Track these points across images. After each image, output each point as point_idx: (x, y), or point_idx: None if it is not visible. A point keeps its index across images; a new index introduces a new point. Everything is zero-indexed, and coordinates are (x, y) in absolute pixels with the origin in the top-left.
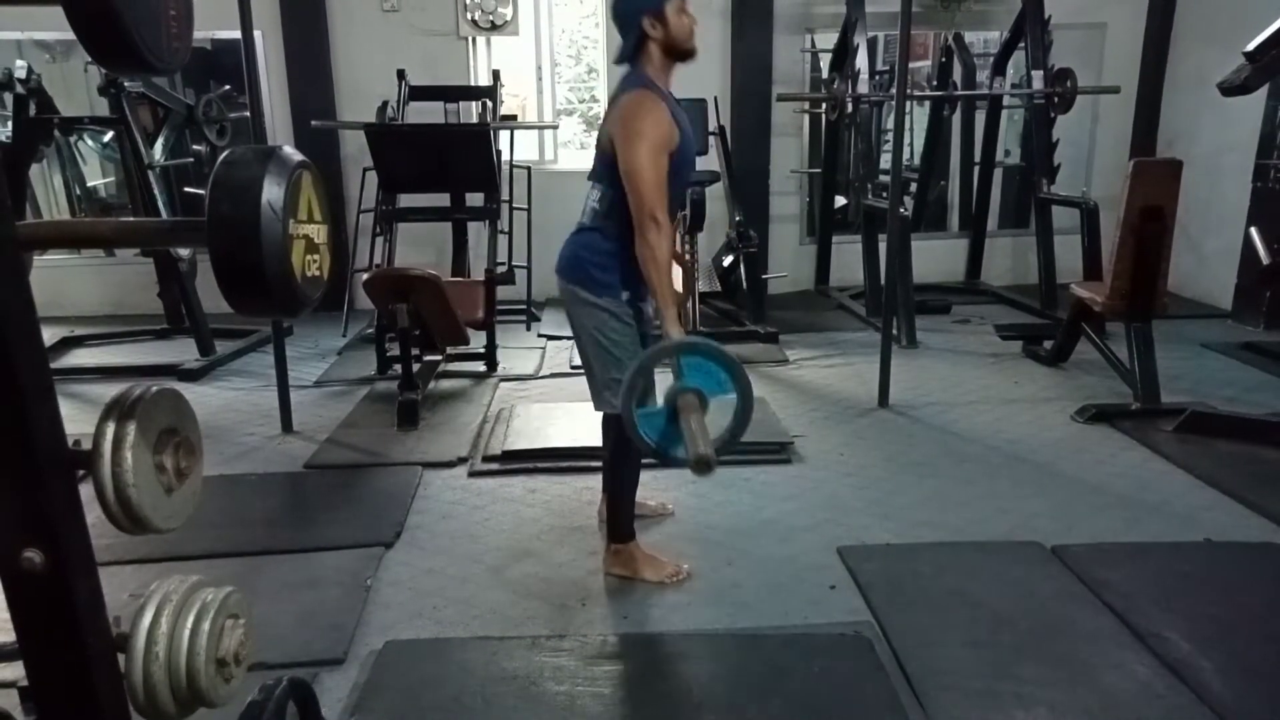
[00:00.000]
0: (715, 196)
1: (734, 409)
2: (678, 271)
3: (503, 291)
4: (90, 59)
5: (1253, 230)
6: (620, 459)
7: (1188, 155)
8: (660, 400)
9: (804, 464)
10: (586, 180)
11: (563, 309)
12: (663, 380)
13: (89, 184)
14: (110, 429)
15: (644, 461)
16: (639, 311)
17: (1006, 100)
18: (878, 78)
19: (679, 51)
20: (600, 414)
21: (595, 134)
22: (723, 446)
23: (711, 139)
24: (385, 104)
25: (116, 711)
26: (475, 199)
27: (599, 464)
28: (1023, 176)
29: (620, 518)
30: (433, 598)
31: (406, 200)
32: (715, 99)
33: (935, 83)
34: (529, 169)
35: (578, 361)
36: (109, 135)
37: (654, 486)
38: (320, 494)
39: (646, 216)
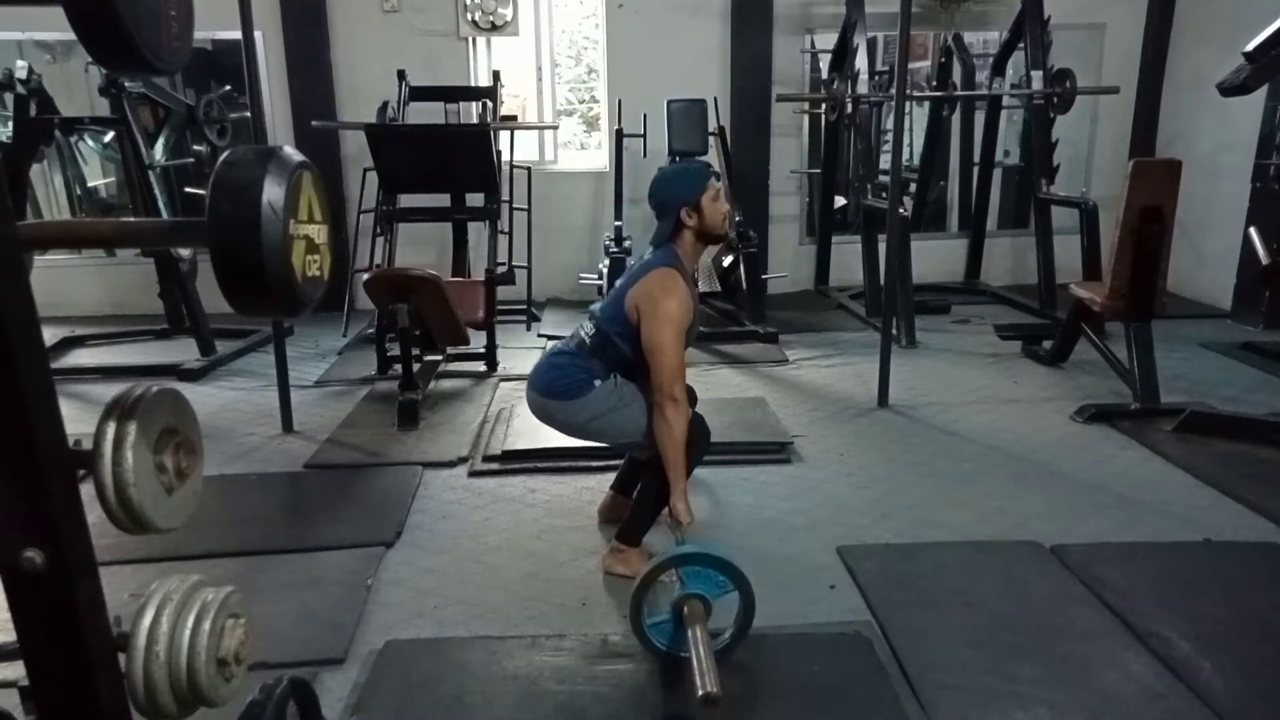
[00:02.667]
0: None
1: (738, 605)
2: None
3: (503, 291)
4: (91, 59)
5: (1252, 230)
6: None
7: (1187, 155)
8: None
9: (804, 464)
10: (588, 310)
11: (564, 309)
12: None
13: (89, 184)
14: (111, 429)
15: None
16: (614, 376)
17: (1006, 100)
18: (877, 78)
19: (712, 236)
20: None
21: (594, 134)
22: (727, 649)
23: (711, 139)
24: (385, 104)
25: (117, 711)
26: (475, 199)
27: (599, 464)
28: (1022, 177)
29: (641, 523)
30: (433, 597)
31: (407, 200)
32: (715, 99)
33: (935, 83)
34: (529, 169)
35: None
36: (109, 135)
37: None
38: (321, 494)
39: (667, 395)
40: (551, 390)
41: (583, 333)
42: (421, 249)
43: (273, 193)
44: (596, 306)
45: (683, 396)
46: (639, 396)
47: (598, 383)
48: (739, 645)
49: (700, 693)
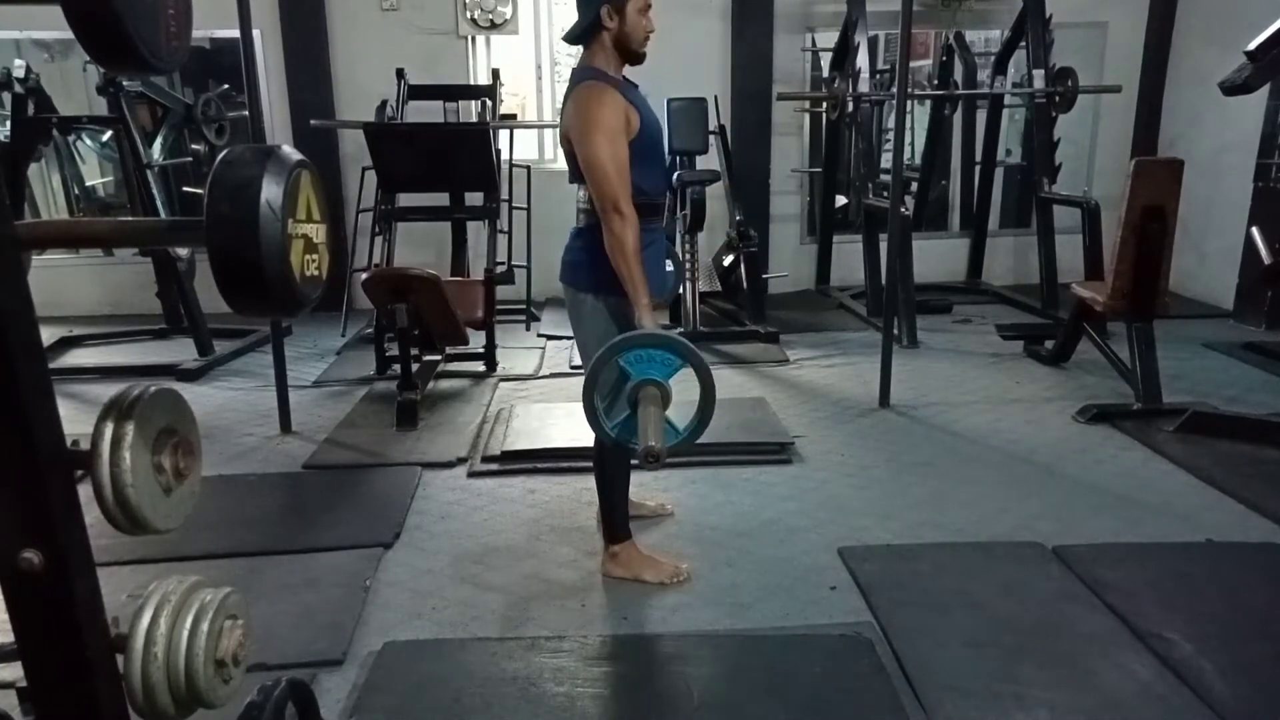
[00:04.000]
0: (715, 196)
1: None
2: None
3: (502, 291)
4: (89, 58)
5: (1254, 230)
6: (605, 455)
7: (1189, 155)
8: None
9: (804, 464)
10: (570, 184)
11: (564, 309)
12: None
13: (87, 183)
14: (109, 429)
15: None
16: (617, 307)
17: (1007, 99)
18: (878, 77)
19: (630, 52)
20: None
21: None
22: (693, 432)
23: (712, 138)
24: (384, 103)
25: (115, 712)
26: (474, 198)
27: None
28: (1024, 176)
29: (613, 517)
30: (432, 598)
31: (406, 199)
32: (715, 98)
33: (936, 82)
34: (528, 168)
35: (577, 361)
36: (107, 134)
37: (653, 487)
38: (319, 494)
39: (609, 207)
40: (564, 275)
41: (579, 202)
42: (420, 248)
43: (271, 192)
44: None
45: (628, 209)
46: (604, 327)
47: (590, 297)
48: (702, 428)
49: (641, 447)
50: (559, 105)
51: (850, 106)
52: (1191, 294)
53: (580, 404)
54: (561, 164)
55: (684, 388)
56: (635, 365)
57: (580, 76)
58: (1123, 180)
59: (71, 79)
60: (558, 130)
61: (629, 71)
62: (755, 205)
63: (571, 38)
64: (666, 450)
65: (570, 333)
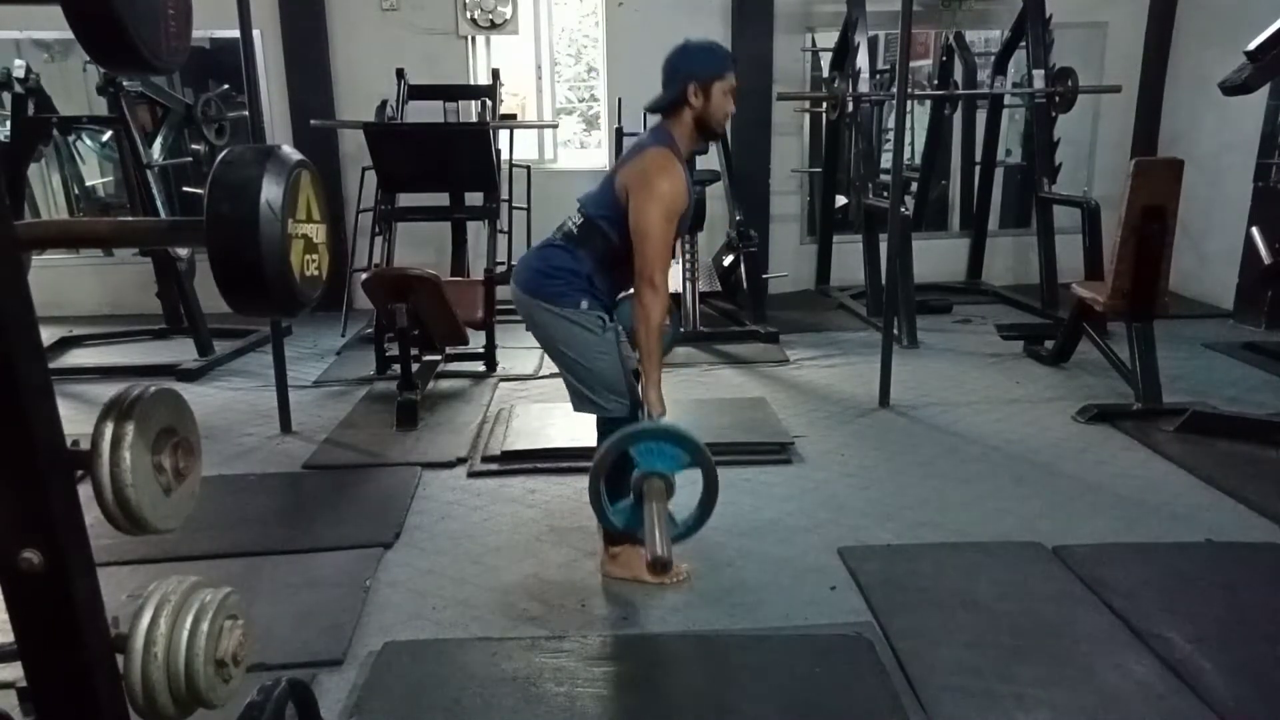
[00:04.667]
0: (715, 196)
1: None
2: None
3: (502, 291)
4: (89, 58)
5: (1254, 230)
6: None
7: (1189, 155)
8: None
9: (804, 464)
10: (577, 200)
11: None
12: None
13: (87, 183)
14: (109, 429)
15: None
16: (602, 318)
17: (1007, 99)
18: (878, 77)
19: (709, 129)
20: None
21: (594, 133)
22: (690, 528)
23: None
24: (384, 103)
25: (115, 712)
26: (474, 198)
27: None
28: (1024, 176)
29: None
30: (432, 598)
31: (406, 200)
32: None
33: (936, 82)
34: (528, 168)
35: None
36: (107, 134)
37: None
38: (319, 494)
39: (646, 279)
40: (539, 289)
41: (570, 223)
42: (420, 248)
43: (271, 192)
44: (584, 195)
45: (663, 284)
46: (615, 358)
47: (584, 303)
48: (704, 519)
49: (649, 555)
50: (558, 106)
51: (850, 106)
52: (1191, 294)
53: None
54: (562, 164)
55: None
56: (644, 456)
57: (659, 139)
58: (1123, 180)
59: (71, 79)
60: (615, 171)
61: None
62: (755, 205)
63: (655, 108)
64: (671, 556)
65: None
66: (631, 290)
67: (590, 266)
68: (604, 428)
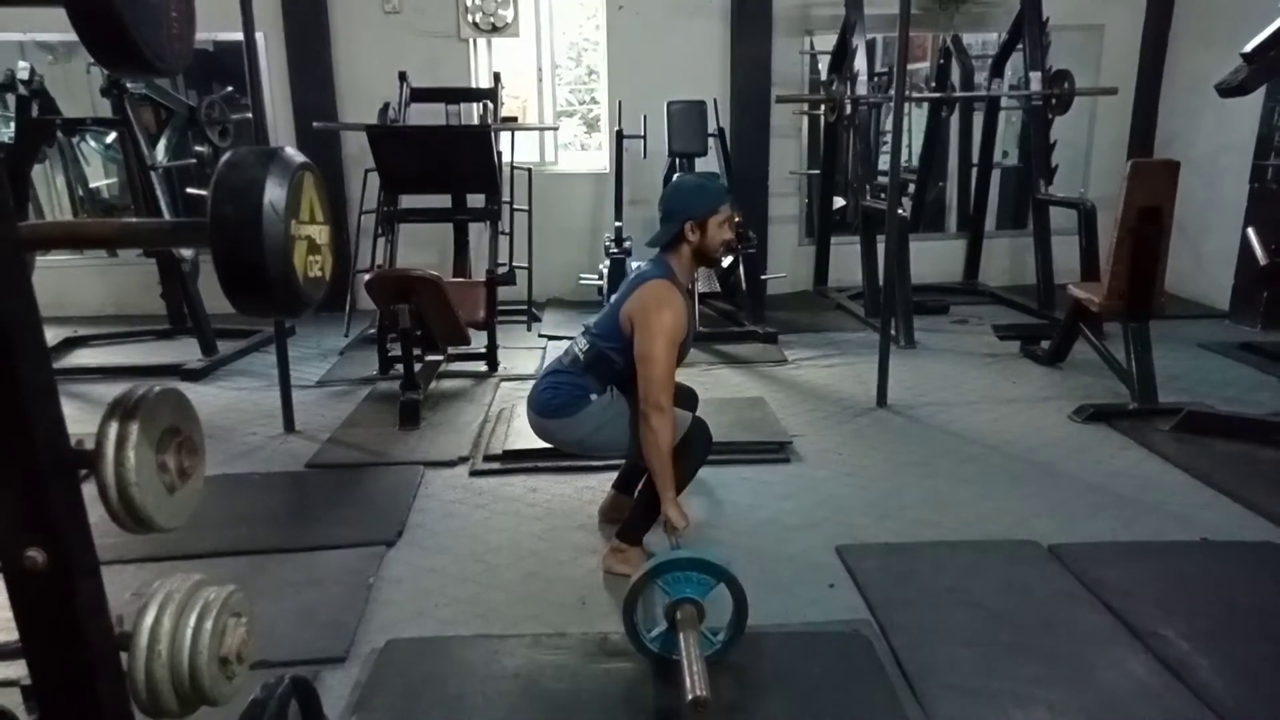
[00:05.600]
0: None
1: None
2: None
3: (503, 292)
4: (92, 60)
5: (1250, 230)
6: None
7: (1185, 156)
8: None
9: (803, 463)
10: (582, 326)
11: (564, 309)
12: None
13: (91, 185)
14: (113, 429)
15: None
16: (613, 396)
17: (1004, 102)
18: (876, 79)
19: (707, 259)
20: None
21: (594, 135)
22: (726, 645)
23: (711, 140)
24: (387, 105)
25: (119, 710)
26: (476, 200)
27: (599, 463)
28: (1020, 177)
29: (643, 522)
30: (434, 596)
31: (408, 201)
32: (715, 100)
33: (934, 84)
34: (529, 170)
35: None
36: (111, 136)
37: None
38: (322, 493)
39: (654, 404)
40: (549, 409)
41: (577, 349)
42: (422, 249)
43: (274, 193)
44: (592, 321)
45: (669, 406)
46: (632, 407)
47: (594, 397)
48: (738, 639)
49: (690, 697)
50: (559, 108)
51: (848, 109)
52: (1187, 294)
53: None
54: (562, 167)
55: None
56: (673, 585)
57: (660, 272)
58: (1119, 181)
59: (75, 81)
60: (621, 302)
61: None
62: (754, 207)
63: (656, 244)
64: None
65: (572, 331)
66: None
67: (596, 389)
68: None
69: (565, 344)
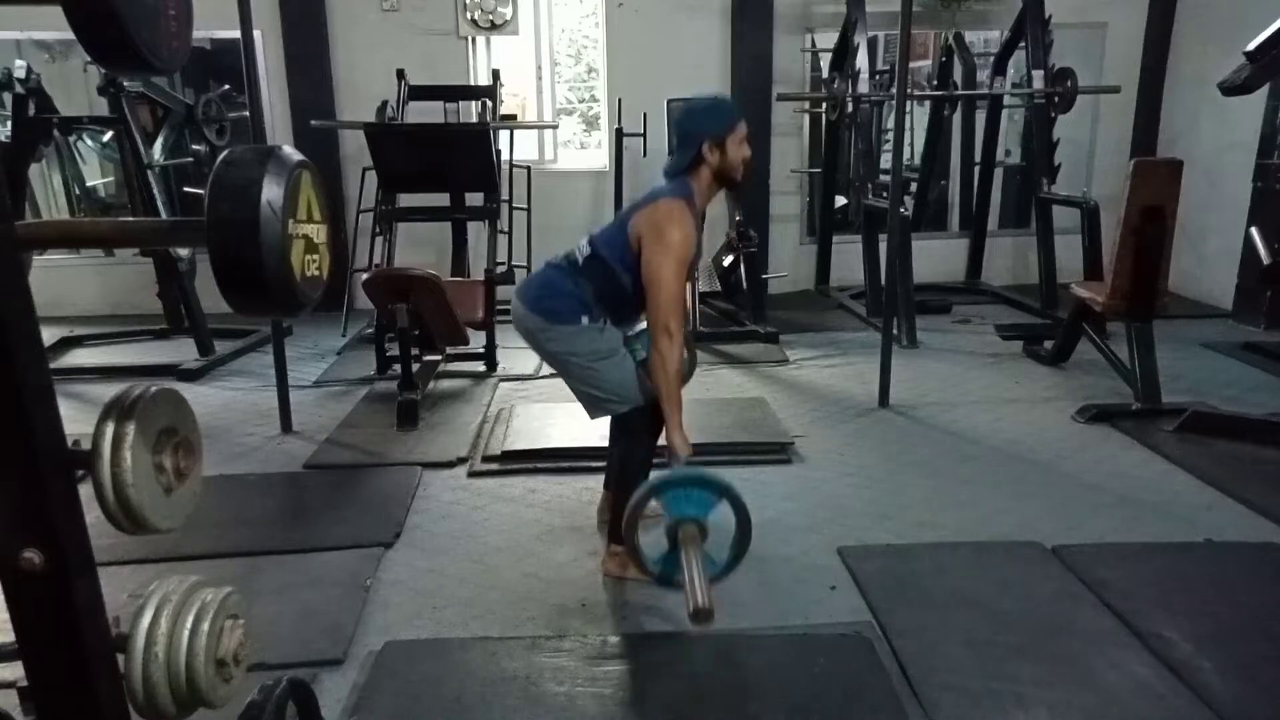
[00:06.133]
0: (715, 196)
1: (735, 525)
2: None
3: (502, 291)
4: (89, 59)
5: (1253, 230)
6: (630, 460)
7: (1188, 155)
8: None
9: (804, 464)
10: (585, 234)
11: None
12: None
13: (88, 184)
14: (110, 429)
15: (655, 462)
16: (599, 325)
17: (1007, 100)
18: (878, 77)
19: (730, 180)
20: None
21: (594, 133)
22: (728, 566)
23: None
24: (385, 104)
25: (116, 712)
26: (475, 199)
27: (599, 464)
28: (1023, 176)
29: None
30: (432, 598)
31: (406, 200)
32: None
33: (935, 82)
34: (529, 169)
35: None
36: (108, 135)
37: None
38: (320, 494)
39: (662, 327)
40: (539, 306)
41: (577, 252)
42: (421, 249)
43: (272, 192)
44: (596, 230)
45: (679, 330)
46: (622, 353)
47: (585, 319)
48: (742, 557)
49: (691, 607)
50: (558, 106)
51: (850, 107)
52: (1191, 294)
53: (578, 405)
54: (562, 165)
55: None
56: (674, 504)
57: (677, 191)
58: (1122, 181)
59: (72, 79)
60: (632, 212)
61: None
62: (755, 205)
63: (675, 171)
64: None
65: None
66: (644, 324)
67: (590, 296)
68: (622, 424)
69: None
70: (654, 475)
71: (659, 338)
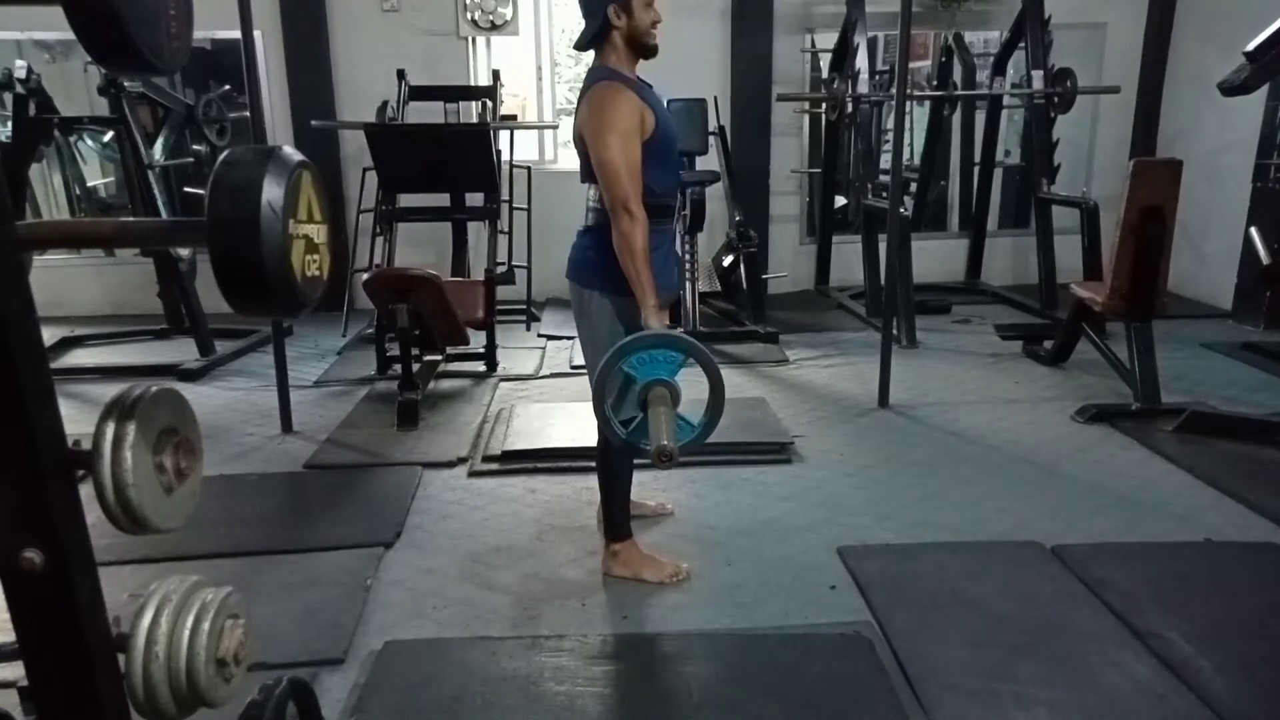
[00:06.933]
0: (715, 196)
1: (708, 394)
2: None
3: (502, 291)
4: (90, 59)
5: (1253, 230)
6: (609, 454)
7: (1188, 155)
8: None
9: (804, 464)
10: (581, 183)
11: (564, 309)
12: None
13: (89, 184)
14: (110, 429)
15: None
16: (624, 307)
17: (1006, 100)
18: (878, 77)
19: (642, 45)
20: None
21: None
22: (706, 426)
23: (711, 139)
24: (385, 104)
25: (116, 712)
26: (475, 199)
27: None
28: (1023, 176)
29: (615, 516)
30: (432, 598)
31: (406, 200)
32: (715, 99)
33: (935, 83)
34: (529, 169)
35: (578, 361)
36: (109, 135)
37: (654, 486)
38: (320, 494)
39: (619, 207)
40: (570, 271)
41: (589, 201)
42: (421, 249)
43: (272, 192)
44: None
45: (638, 210)
46: (612, 363)
47: (594, 294)
48: (718, 415)
49: (654, 447)
50: (559, 106)
51: (850, 107)
52: (1190, 294)
53: (581, 403)
54: (562, 165)
55: (692, 387)
56: (640, 368)
57: (596, 77)
58: (1122, 181)
59: (73, 80)
60: (572, 130)
61: (642, 70)
62: (755, 206)
63: (583, 44)
64: (678, 449)
65: (572, 331)
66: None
67: (598, 280)
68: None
69: (565, 343)
70: (621, 341)
71: (618, 218)
